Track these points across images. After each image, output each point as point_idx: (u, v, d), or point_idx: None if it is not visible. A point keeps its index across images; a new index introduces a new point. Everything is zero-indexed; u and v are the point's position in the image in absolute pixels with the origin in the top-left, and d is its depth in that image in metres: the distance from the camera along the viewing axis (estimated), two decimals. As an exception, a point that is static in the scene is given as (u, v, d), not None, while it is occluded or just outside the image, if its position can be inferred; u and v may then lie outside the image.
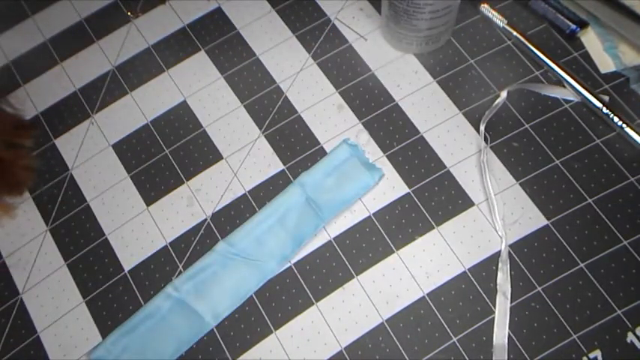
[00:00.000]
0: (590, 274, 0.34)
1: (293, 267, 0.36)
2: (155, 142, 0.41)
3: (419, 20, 0.36)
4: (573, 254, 0.34)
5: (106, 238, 0.39)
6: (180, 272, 0.37)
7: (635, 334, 0.32)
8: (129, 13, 0.45)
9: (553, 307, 0.33)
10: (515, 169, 0.37)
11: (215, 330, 0.36)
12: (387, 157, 0.38)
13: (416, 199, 0.37)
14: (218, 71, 0.42)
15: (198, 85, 0.42)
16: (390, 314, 0.35)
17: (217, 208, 0.39)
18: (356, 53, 0.41)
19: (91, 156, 0.41)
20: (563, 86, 0.38)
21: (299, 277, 0.36)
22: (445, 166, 0.37)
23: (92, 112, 0.43)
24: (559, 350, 0.32)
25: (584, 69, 0.39)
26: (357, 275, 0.36)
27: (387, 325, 0.34)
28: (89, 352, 0.36)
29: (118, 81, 0.43)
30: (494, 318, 0.34)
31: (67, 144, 0.42)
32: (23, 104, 0.43)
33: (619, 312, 0.33)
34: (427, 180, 0.37)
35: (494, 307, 0.34)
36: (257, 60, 0.42)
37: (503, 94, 0.38)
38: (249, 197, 0.38)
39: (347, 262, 0.36)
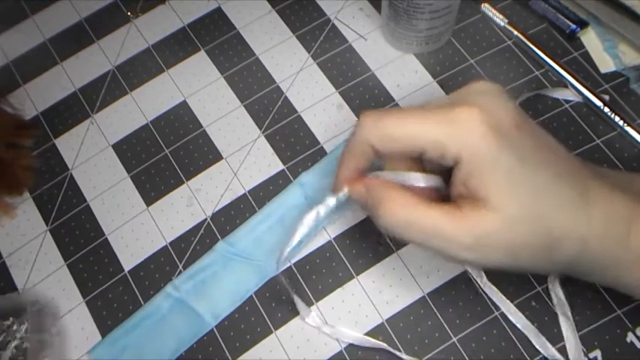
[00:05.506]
0: (590, 274, 0.34)
1: (293, 267, 0.36)
2: (155, 142, 0.41)
3: (419, 20, 0.36)
4: (573, 254, 0.34)
5: (106, 238, 0.39)
6: (180, 272, 0.37)
7: (635, 334, 0.32)
8: (129, 13, 0.45)
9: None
10: (515, 169, 0.37)
11: (215, 330, 0.36)
12: (387, 157, 0.38)
13: (416, 199, 0.37)
14: (218, 71, 0.42)
15: (198, 85, 0.42)
16: (390, 314, 0.35)
17: (217, 208, 0.39)
18: (356, 53, 0.41)
19: (91, 156, 0.41)
20: (565, 86, 0.38)
21: (299, 277, 0.36)
22: (445, 166, 0.37)
23: (92, 112, 0.43)
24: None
25: (584, 69, 0.39)
26: (357, 275, 0.36)
27: (387, 325, 0.34)
28: (89, 351, 0.36)
29: (118, 81, 0.43)
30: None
31: (67, 144, 0.42)
32: (23, 104, 0.43)
33: (619, 312, 0.33)
34: (427, 180, 0.37)
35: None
36: (257, 60, 0.42)
37: None
38: (249, 197, 0.39)
39: (347, 262, 0.36)
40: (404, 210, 0.25)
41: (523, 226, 0.24)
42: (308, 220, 0.30)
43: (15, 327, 0.34)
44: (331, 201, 0.29)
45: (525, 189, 0.24)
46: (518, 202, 0.24)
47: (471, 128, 0.24)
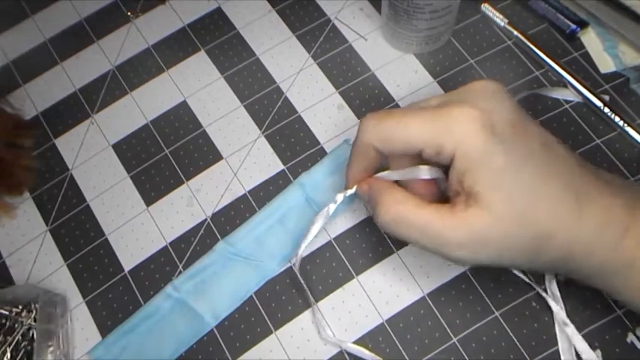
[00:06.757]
0: (590, 274, 0.34)
1: (293, 267, 0.36)
2: (155, 142, 0.41)
3: (419, 20, 0.36)
4: (573, 254, 0.34)
5: (106, 238, 0.39)
6: (180, 272, 0.37)
7: (635, 334, 0.32)
8: (129, 13, 0.45)
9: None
10: (515, 169, 0.37)
11: (215, 330, 0.36)
12: (387, 157, 0.38)
13: (416, 199, 0.37)
14: (218, 71, 0.42)
15: (198, 85, 0.42)
16: (390, 314, 0.35)
17: (217, 208, 0.39)
18: (356, 53, 0.41)
19: (91, 156, 0.41)
20: (564, 86, 0.38)
21: (299, 277, 0.36)
22: (445, 166, 0.37)
23: (92, 112, 0.43)
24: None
25: (584, 69, 0.39)
26: (357, 275, 0.36)
27: (387, 325, 0.34)
28: (89, 351, 0.36)
29: (118, 81, 0.43)
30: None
31: (67, 144, 0.42)
32: (23, 104, 0.43)
33: (619, 312, 0.33)
34: (427, 180, 0.37)
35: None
36: (257, 60, 0.42)
37: None
38: (249, 197, 0.39)
39: (347, 262, 0.36)
40: (396, 206, 0.26)
41: (512, 225, 0.24)
42: (320, 218, 0.32)
43: (24, 314, 0.35)
44: (339, 197, 0.31)
45: (514, 188, 0.24)
46: (507, 200, 0.24)
47: (464, 126, 0.24)
